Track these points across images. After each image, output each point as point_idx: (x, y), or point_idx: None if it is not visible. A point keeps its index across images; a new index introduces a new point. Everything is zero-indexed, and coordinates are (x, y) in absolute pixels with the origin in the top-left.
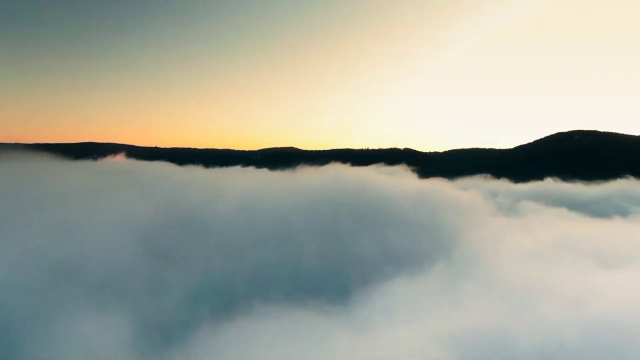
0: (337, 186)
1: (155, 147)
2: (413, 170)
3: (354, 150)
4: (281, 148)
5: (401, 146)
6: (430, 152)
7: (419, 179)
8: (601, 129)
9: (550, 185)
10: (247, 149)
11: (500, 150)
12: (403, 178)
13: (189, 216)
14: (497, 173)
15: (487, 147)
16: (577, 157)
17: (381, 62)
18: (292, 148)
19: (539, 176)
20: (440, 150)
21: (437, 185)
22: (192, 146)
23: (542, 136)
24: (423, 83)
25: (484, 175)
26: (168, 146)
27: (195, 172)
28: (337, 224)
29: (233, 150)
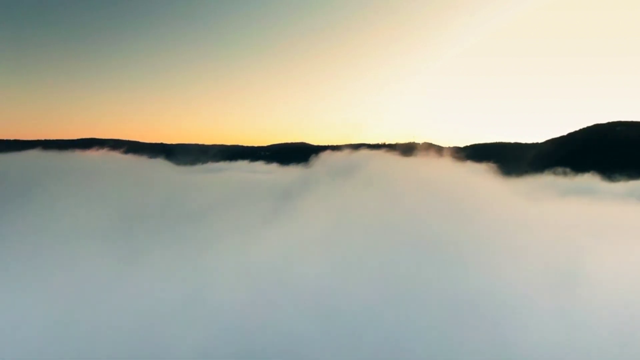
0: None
1: (161, 143)
2: (499, 170)
3: (371, 144)
4: (291, 143)
5: (419, 140)
6: (450, 147)
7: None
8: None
9: None
10: (256, 145)
11: (527, 145)
12: (488, 180)
13: None
14: (572, 168)
15: (511, 141)
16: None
17: (389, 58)
18: (302, 143)
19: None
20: (461, 145)
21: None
22: (200, 142)
23: (577, 129)
24: (431, 79)
25: (561, 169)
26: (175, 142)
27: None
28: None
29: (241, 146)
